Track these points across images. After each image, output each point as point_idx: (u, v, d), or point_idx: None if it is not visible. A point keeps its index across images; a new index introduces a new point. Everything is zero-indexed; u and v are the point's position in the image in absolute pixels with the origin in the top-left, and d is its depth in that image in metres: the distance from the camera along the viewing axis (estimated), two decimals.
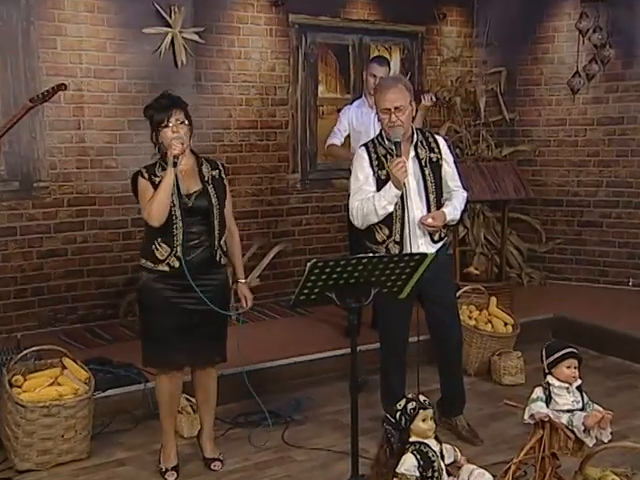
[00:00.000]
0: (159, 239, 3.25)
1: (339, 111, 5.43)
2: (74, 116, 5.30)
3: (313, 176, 6.36)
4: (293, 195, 6.27)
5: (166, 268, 3.25)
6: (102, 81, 5.37)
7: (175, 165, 3.17)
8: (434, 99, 4.91)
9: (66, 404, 3.54)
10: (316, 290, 2.85)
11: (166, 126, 3.21)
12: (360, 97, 5.26)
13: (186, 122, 3.25)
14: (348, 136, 5.18)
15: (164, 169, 3.24)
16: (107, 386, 4.04)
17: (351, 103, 5.30)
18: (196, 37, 5.61)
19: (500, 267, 5.78)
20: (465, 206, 3.81)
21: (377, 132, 4.48)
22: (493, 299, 5.09)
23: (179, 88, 5.51)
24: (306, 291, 2.85)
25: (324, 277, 2.82)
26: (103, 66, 5.36)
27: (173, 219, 3.22)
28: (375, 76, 4.99)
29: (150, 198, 3.20)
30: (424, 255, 2.99)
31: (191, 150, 3.37)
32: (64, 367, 3.83)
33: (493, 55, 6.83)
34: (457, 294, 4.49)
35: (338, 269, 2.82)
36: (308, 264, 2.77)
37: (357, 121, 5.10)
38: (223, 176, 3.40)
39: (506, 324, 4.97)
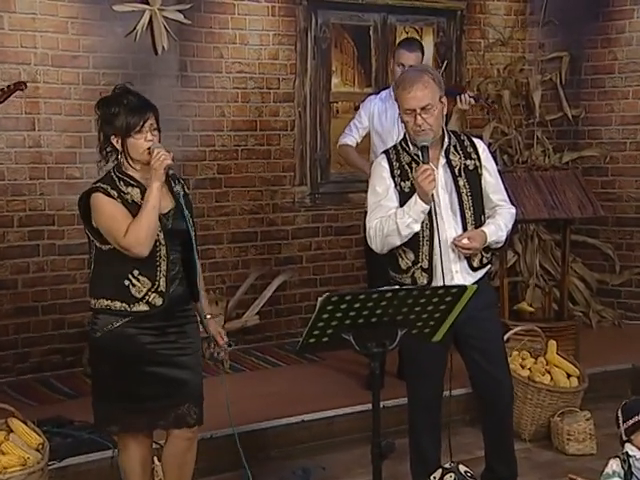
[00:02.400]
0: (135, 272, 3.24)
1: (357, 108, 5.46)
2: (27, 113, 5.35)
3: (325, 189, 6.40)
4: (300, 213, 6.31)
5: (145, 307, 3.26)
6: (62, 70, 5.42)
7: (174, 178, 3.26)
8: (472, 101, 4.92)
9: (12, 479, 3.53)
10: (329, 331, 2.86)
11: (139, 132, 3.25)
12: (387, 88, 5.26)
13: (158, 128, 3.32)
14: (368, 135, 5.20)
15: (130, 184, 3.28)
16: (66, 454, 4.03)
17: (377, 93, 5.30)
18: (180, 16, 5.68)
19: (561, 303, 5.77)
20: (514, 226, 3.83)
21: (402, 133, 4.49)
22: (552, 344, 5.08)
23: (159, 80, 5.63)
24: (317, 332, 2.86)
25: (339, 315, 2.83)
26: (63, 51, 5.41)
27: (157, 245, 3.25)
28: (404, 65, 5.00)
29: (134, 221, 3.19)
30: (463, 288, 3.01)
31: None
32: (10, 430, 3.81)
33: (552, 37, 6.88)
34: (505, 337, 4.48)
35: (356, 305, 2.83)
36: (319, 299, 2.79)
37: (378, 119, 5.11)
38: (188, 193, 3.47)
39: (570, 376, 4.96)
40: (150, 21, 5.56)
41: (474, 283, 3.43)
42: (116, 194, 3.26)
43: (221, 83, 5.96)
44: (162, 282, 3.25)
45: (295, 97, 6.22)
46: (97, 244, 3.30)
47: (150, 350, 3.30)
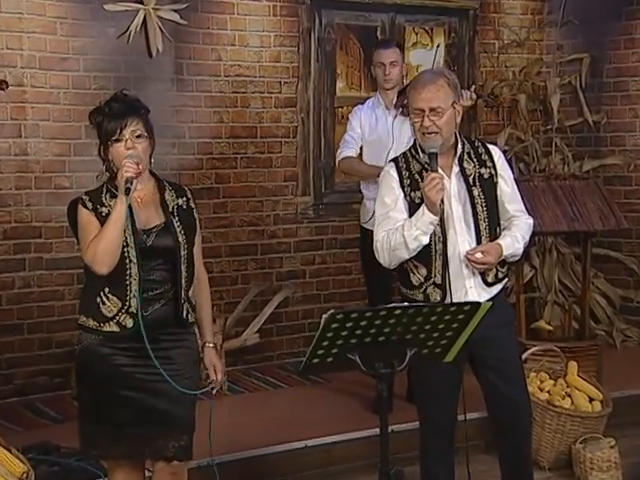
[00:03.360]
0: (106, 290, 3.26)
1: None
2: (12, 119, 5.38)
3: (329, 199, 6.42)
4: (303, 224, 6.33)
5: (115, 328, 3.27)
6: (51, 74, 5.45)
7: (128, 192, 3.17)
8: (474, 96, 4.95)
9: None
10: (334, 351, 2.85)
11: (118, 140, 3.25)
12: (373, 96, 5.34)
13: (145, 135, 3.28)
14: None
15: (114, 196, 3.26)
16: None
17: (363, 103, 5.37)
18: (176, 16, 5.70)
19: (582, 321, 5.77)
20: (531, 238, 3.84)
21: (397, 142, 4.47)
22: (573, 365, 5.08)
23: (154, 83, 5.65)
24: (321, 352, 2.85)
25: (344, 333, 2.82)
26: (52, 53, 5.44)
27: (126, 263, 3.24)
28: (384, 65, 5.09)
29: (95, 236, 3.20)
30: (477, 305, 3.01)
31: (150, 172, 3.39)
32: None
33: (571, 37, 6.90)
34: (523, 357, 4.45)
35: (363, 323, 2.83)
36: (324, 316, 2.79)
37: (370, 128, 5.19)
38: (192, 206, 3.44)
39: (592, 399, 4.96)
40: (144, 21, 5.58)
41: (489, 300, 3.43)
42: (91, 206, 3.28)
43: (219, 87, 5.99)
44: (133, 303, 3.24)
45: (298, 102, 6.25)
46: (83, 256, 3.32)
47: (125, 373, 3.29)
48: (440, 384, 3.70)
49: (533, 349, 5.01)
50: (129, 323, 3.25)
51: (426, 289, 3.67)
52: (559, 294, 6.45)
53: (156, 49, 5.64)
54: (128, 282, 3.25)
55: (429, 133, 3.56)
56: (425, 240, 3.57)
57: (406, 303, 3.04)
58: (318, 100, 6.32)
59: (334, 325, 2.80)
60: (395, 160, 3.78)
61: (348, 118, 5.38)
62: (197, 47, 5.90)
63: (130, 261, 3.24)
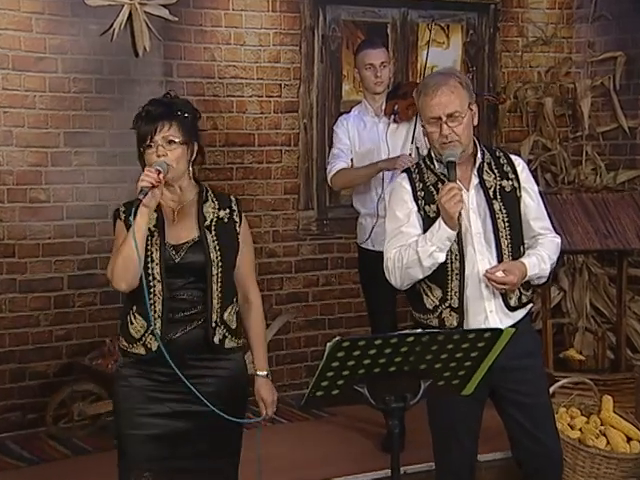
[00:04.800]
0: (134, 308, 3.34)
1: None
2: None
3: (335, 214, 6.43)
4: (306, 242, 6.34)
5: (141, 350, 3.33)
6: (25, 75, 5.46)
7: (137, 206, 3.19)
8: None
9: None
10: (340, 382, 2.85)
11: (149, 146, 3.30)
12: (359, 103, 5.35)
13: (178, 140, 3.32)
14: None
15: None
16: None
17: (348, 112, 5.38)
18: (165, 12, 5.65)
19: (617, 350, 5.75)
20: (559, 258, 3.83)
21: (392, 151, 4.48)
22: (608, 399, 5.04)
23: (140, 86, 5.69)
24: (325, 383, 2.85)
25: (351, 363, 2.81)
26: (27, 52, 5.45)
27: (150, 281, 3.28)
28: (373, 66, 5.10)
29: (114, 252, 3.30)
30: (499, 331, 2.99)
31: (195, 180, 3.47)
32: None
33: (604, 34, 6.90)
34: (550, 390, 4.43)
35: (372, 351, 2.82)
36: (328, 344, 2.78)
37: (359, 138, 5.21)
38: (236, 219, 3.47)
39: (630, 439, 4.91)
40: (130, 17, 5.51)
41: (512, 326, 3.40)
42: (124, 217, 3.35)
43: (213, 90, 6.02)
44: (158, 324, 3.29)
45: (300, 107, 6.27)
46: None
47: (151, 397, 3.33)
48: (458, 421, 3.70)
49: (562, 381, 4.97)
50: (154, 346, 3.30)
51: (441, 313, 3.66)
52: (591, 320, 6.43)
53: (143, 48, 5.57)
54: (152, 302, 3.29)
55: (450, 142, 3.57)
56: (441, 257, 3.56)
57: (419, 329, 2.99)
58: (322, 104, 6.34)
59: (340, 354, 2.79)
60: (408, 171, 3.78)
61: (333, 130, 5.38)
62: (188, 46, 5.93)
63: (154, 278, 3.30)
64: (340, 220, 6.38)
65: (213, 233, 3.38)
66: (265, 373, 3.55)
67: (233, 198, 3.53)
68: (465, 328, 3.58)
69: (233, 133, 6.08)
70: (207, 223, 3.39)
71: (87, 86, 5.55)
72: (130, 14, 5.55)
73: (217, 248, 3.36)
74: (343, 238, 6.39)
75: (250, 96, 6.11)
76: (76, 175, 5.58)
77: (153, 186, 3.20)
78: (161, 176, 3.23)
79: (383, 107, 5.16)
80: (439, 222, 3.53)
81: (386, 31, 6.50)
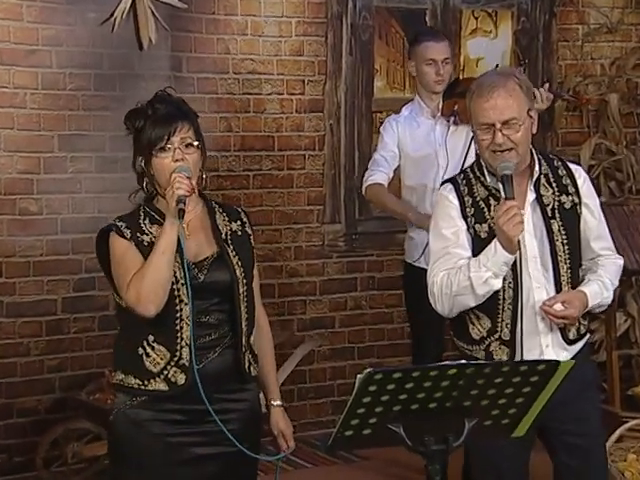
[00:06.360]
0: (150, 338, 3.29)
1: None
2: None
3: (365, 228, 6.43)
4: (332, 259, 6.34)
5: (162, 386, 3.28)
6: (15, 70, 5.48)
7: (181, 215, 3.19)
8: (551, 96, 4.99)
9: None
10: (372, 420, 2.83)
11: (164, 149, 3.27)
12: (411, 100, 5.39)
13: (196, 144, 3.33)
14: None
15: (156, 222, 3.32)
16: None
17: (398, 112, 5.38)
18: None
19: None
20: (624, 280, 3.81)
21: (451, 159, 4.43)
22: None
23: (145, 82, 5.67)
24: (355, 422, 2.83)
25: (385, 399, 2.79)
26: (17, 45, 5.48)
27: (176, 304, 3.27)
28: (435, 62, 5.13)
29: (138, 270, 3.23)
30: (555, 364, 2.94)
31: (199, 192, 3.45)
32: None
33: None
34: (617, 434, 4.48)
35: (409, 385, 2.79)
36: (359, 376, 2.75)
37: (413, 143, 5.21)
38: (249, 231, 3.51)
39: None
40: (133, 5, 5.62)
41: (570, 359, 3.38)
42: (129, 234, 3.30)
43: (227, 87, 6.04)
44: (185, 353, 3.25)
45: (325, 106, 6.30)
46: (116, 298, 3.37)
47: (171, 445, 3.29)
48: (506, 466, 3.67)
49: (631, 423, 4.95)
50: (180, 379, 3.26)
51: (489, 345, 3.65)
52: None
53: (148, 40, 5.68)
54: (179, 327, 3.27)
55: (502, 151, 3.53)
56: (497, 285, 3.54)
57: (464, 361, 2.95)
58: (351, 103, 6.36)
59: (372, 387, 2.76)
60: (454, 182, 3.73)
61: (379, 132, 5.40)
62: (199, 37, 5.95)
63: (181, 301, 3.28)
64: (371, 235, 6.42)
65: (232, 247, 3.40)
66: (281, 403, 3.56)
67: (240, 210, 3.57)
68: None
69: (250, 136, 6.11)
70: (224, 237, 3.41)
71: (85, 83, 5.59)
72: (133, 1, 5.64)
73: (239, 264, 3.39)
74: (375, 255, 6.43)
75: (269, 94, 6.14)
76: (72, 183, 5.60)
77: (189, 194, 3.21)
78: (193, 183, 3.24)
79: (440, 106, 5.16)
80: (495, 245, 3.51)
81: (424, 19, 6.53)
